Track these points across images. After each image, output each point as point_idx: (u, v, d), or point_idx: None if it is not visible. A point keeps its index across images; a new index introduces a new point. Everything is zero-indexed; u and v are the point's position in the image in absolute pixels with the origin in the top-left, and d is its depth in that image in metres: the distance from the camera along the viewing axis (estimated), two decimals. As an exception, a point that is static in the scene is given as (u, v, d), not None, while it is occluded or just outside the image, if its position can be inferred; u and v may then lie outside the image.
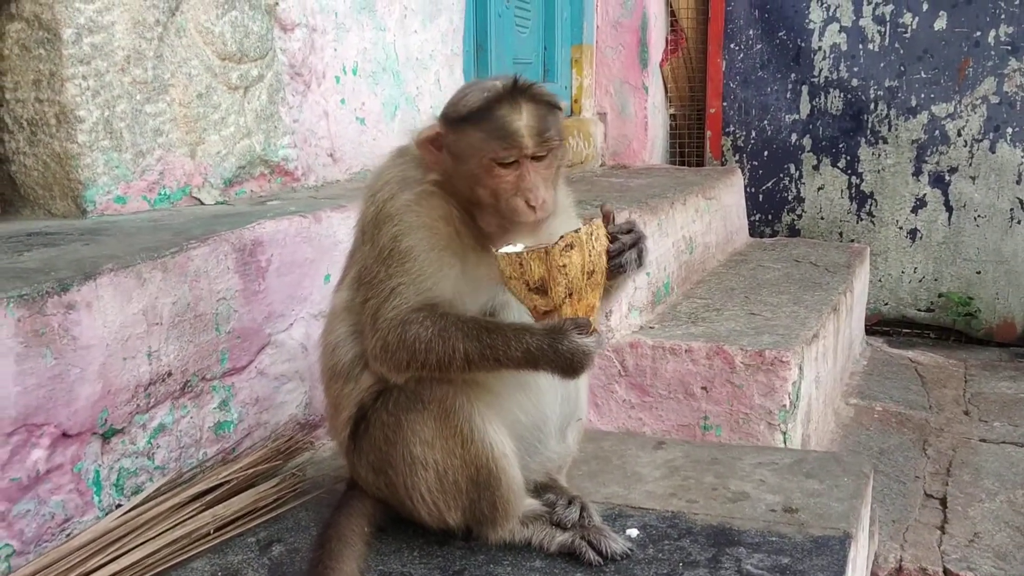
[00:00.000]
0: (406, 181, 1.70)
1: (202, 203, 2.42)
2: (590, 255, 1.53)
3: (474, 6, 4.36)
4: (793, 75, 5.87)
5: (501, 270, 1.55)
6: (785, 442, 3.34)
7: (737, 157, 6.07)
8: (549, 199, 1.63)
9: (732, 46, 5.99)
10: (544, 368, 1.55)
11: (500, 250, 1.56)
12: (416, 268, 1.63)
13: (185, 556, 1.67)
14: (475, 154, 1.61)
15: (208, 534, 1.73)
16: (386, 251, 1.65)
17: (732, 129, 6.06)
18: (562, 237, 1.52)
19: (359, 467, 1.77)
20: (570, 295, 1.52)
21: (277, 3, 2.63)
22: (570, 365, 1.52)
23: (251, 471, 1.89)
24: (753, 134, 6.03)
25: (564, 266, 1.51)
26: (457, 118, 1.63)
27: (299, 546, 1.77)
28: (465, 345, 1.56)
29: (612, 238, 1.58)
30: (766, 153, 6.01)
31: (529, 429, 1.70)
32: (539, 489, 1.77)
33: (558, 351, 1.52)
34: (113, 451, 1.78)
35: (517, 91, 1.61)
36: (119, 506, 1.78)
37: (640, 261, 1.61)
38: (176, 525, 1.69)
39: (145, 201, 2.32)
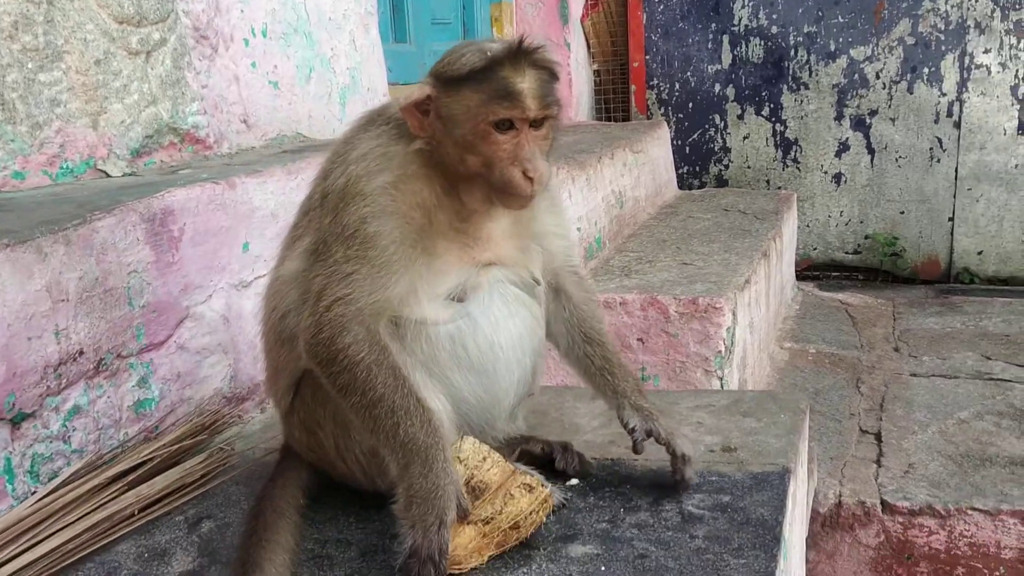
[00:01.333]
0: (386, 157, 1.58)
1: (108, 175, 2.31)
2: (529, 520, 1.48)
3: (388, -37, 4.25)
4: (713, 25, 5.87)
5: (460, 448, 1.51)
6: (722, 387, 3.35)
7: (662, 110, 6.07)
8: (544, 172, 1.54)
9: (652, -2, 5.97)
10: (417, 472, 1.44)
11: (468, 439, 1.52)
12: (378, 259, 1.52)
13: (109, 539, 1.59)
14: (472, 117, 1.50)
15: (132, 515, 1.65)
16: (349, 230, 1.54)
17: (656, 82, 6.05)
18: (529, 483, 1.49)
19: (294, 429, 1.71)
20: (488, 522, 1.46)
21: (175, -38, 2.51)
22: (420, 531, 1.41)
23: (175, 448, 1.81)
24: (677, 86, 6.03)
25: (514, 498, 1.47)
26: (455, 77, 1.51)
27: (230, 521, 1.70)
28: (383, 405, 1.47)
29: None
30: (691, 105, 6.02)
31: (477, 411, 1.62)
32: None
33: (422, 520, 1.41)
34: (25, 436, 1.69)
35: (521, 53, 1.50)
36: (34, 493, 1.69)
37: None
38: (97, 508, 1.61)
39: (46, 176, 2.20)
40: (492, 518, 1.46)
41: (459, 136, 1.52)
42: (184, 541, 1.63)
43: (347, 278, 1.52)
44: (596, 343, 1.78)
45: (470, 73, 1.50)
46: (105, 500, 1.63)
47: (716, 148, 6.01)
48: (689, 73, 5.98)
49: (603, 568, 1.46)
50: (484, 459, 1.48)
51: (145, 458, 1.75)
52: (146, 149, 2.44)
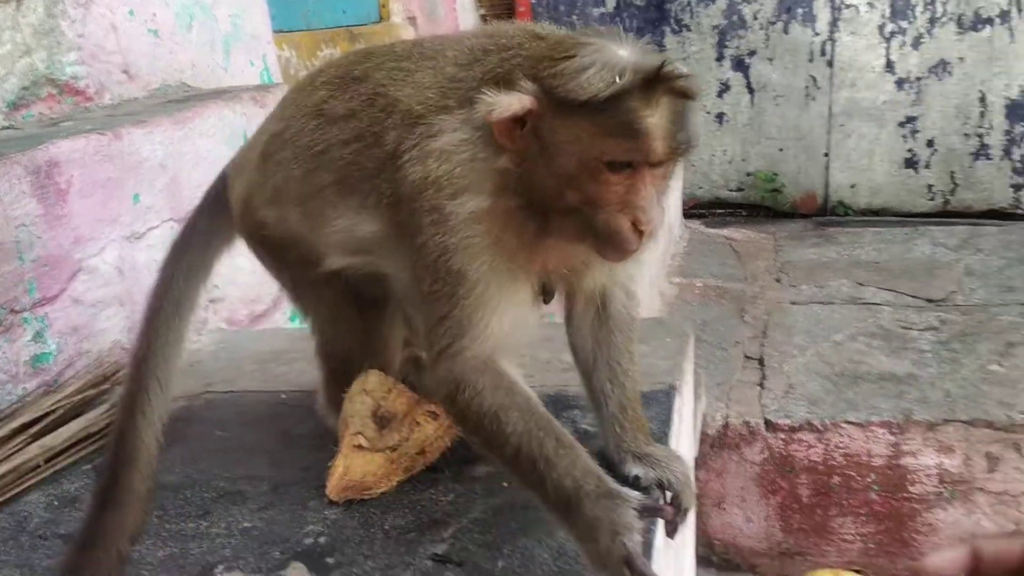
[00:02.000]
0: (476, 171, 1.35)
1: (-16, 129, 2.24)
2: (435, 445, 1.56)
3: (266, -95, 4.14)
4: (599, -21, 5.95)
5: (367, 380, 1.56)
6: (615, 322, 3.49)
7: (550, 54, 6.12)
8: (658, 223, 1.30)
9: (536, -58, 5.99)
10: (574, 519, 1.28)
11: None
12: (474, 295, 1.35)
13: (17, 490, 1.60)
14: (582, 151, 1.26)
15: (38, 466, 1.66)
16: (431, 254, 1.36)
17: (543, 27, 6.09)
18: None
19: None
20: (395, 448, 1.52)
21: (43, -95, 2.42)
22: (603, 533, 1.25)
23: (77, 399, 1.81)
24: (563, 30, 6.08)
25: (420, 425, 1.54)
26: (571, 102, 1.24)
27: (138, 467, 1.73)
28: (527, 455, 1.32)
29: None
30: (577, 49, 6.09)
31: None
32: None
33: (605, 513, 1.26)
34: (-83, 395, 1.67)
35: (657, 80, 1.23)
36: (-67, 452, 1.68)
37: None
38: (2, 460, 1.61)
39: (-82, 131, 2.12)
40: (399, 445, 1.53)
41: (561, 167, 1.28)
42: (93, 487, 1.65)
43: (441, 323, 1.37)
44: (618, 384, 1.60)
45: (600, 100, 1.23)
46: (10, 452, 1.63)
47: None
48: (575, 16, 6.05)
49: (504, 485, 1.55)
50: (390, 390, 1.55)
51: (47, 410, 1.75)
52: (23, 101, 2.37)
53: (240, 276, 2.59)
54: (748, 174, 6.04)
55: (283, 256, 1.72)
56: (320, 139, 1.55)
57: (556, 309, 3.25)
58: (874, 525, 3.27)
